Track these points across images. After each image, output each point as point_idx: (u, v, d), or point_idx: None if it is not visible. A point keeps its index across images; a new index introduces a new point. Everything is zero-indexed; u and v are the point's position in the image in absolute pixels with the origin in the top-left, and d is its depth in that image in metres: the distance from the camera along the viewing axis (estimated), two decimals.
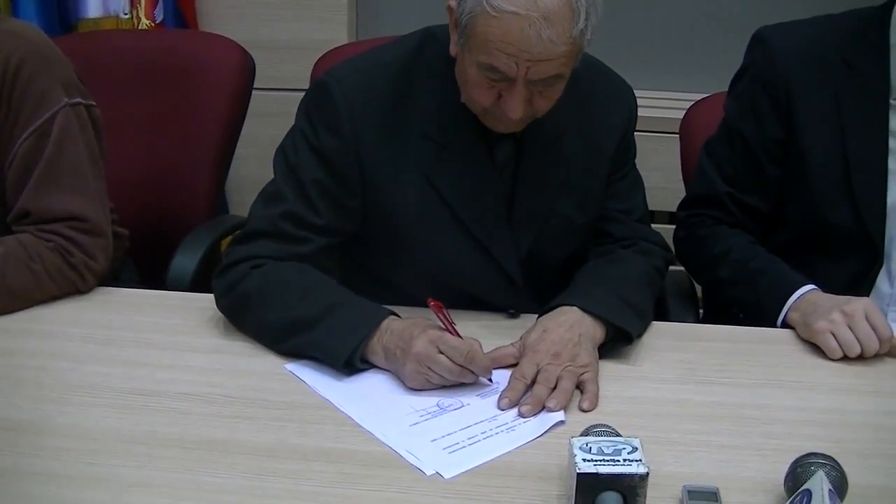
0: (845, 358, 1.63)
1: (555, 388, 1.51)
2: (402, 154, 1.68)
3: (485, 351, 1.58)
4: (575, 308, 1.63)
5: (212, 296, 1.71)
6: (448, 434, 1.43)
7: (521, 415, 1.48)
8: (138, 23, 3.08)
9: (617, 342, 1.64)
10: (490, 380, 1.54)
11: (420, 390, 1.52)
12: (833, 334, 1.64)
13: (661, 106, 3.03)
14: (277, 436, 1.41)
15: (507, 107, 1.56)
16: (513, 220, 1.74)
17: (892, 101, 1.82)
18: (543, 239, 1.76)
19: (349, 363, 1.55)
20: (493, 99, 1.58)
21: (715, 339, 1.72)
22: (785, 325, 1.74)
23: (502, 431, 1.45)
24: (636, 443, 1.27)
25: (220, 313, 1.70)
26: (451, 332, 1.54)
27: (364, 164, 1.68)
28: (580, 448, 1.26)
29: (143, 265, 2.16)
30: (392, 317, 1.59)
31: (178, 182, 2.36)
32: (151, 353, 1.62)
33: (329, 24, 3.20)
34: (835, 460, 1.25)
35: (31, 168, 1.79)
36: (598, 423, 1.34)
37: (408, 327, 1.55)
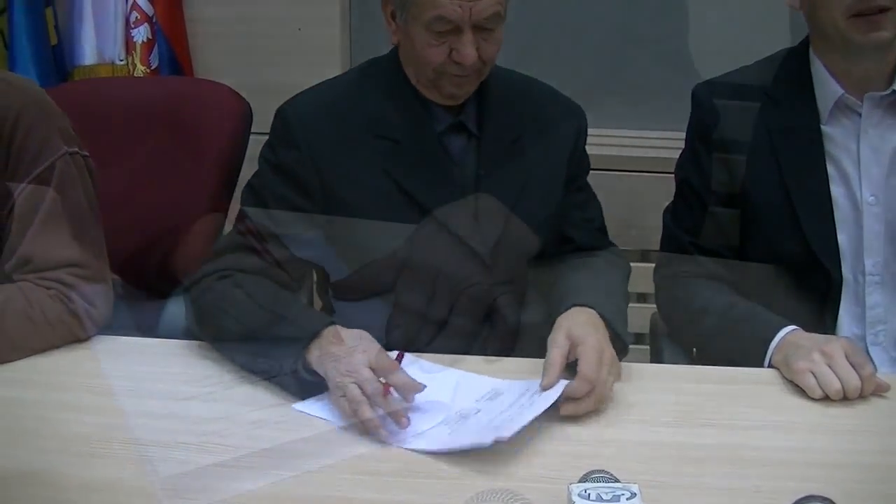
0: (843, 399, 1.62)
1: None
2: (358, 156, 1.79)
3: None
4: (594, 311, 1.69)
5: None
6: (485, 420, 1.52)
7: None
8: (134, 69, 3.10)
9: None
10: (408, 419, 1.53)
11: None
12: (812, 373, 1.64)
13: (657, 146, 3.04)
14: (280, 486, 1.40)
15: (462, 55, 1.71)
16: (478, 215, 1.81)
17: (823, 128, 1.86)
18: (509, 234, 1.83)
19: (296, 374, 1.59)
20: (445, 55, 1.73)
21: (710, 381, 1.72)
22: (772, 367, 1.74)
23: (525, 405, 1.53)
24: (635, 488, 1.27)
25: (221, 360, 1.71)
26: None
27: (322, 171, 1.78)
28: (579, 495, 1.26)
29: (140, 312, 2.15)
30: (334, 325, 1.63)
31: (175, 229, 2.36)
32: (152, 402, 1.61)
33: (323, 68, 3.18)
34: (834, 503, 1.25)
35: (31, 215, 1.79)
36: (596, 468, 1.34)
37: (352, 336, 1.60)
